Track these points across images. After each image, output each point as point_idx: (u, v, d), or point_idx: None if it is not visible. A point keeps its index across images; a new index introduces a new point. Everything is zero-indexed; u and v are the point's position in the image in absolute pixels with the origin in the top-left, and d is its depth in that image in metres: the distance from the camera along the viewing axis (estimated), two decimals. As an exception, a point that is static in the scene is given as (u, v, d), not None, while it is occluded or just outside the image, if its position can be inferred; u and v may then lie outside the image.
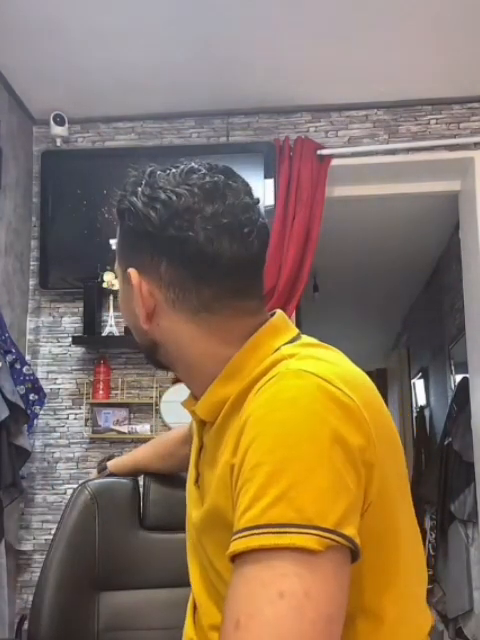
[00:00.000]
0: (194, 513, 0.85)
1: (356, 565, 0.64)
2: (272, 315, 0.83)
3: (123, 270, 0.83)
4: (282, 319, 0.83)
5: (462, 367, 3.47)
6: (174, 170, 0.80)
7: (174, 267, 0.77)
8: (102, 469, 1.41)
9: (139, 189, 0.80)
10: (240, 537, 0.62)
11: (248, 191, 0.81)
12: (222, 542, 0.68)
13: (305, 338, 0.82)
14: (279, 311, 0.84)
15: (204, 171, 0.79)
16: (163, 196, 0.77)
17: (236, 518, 0.64)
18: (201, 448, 0.87)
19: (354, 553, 0.63)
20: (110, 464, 1.40)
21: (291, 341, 0.79)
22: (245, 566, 0.61)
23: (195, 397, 0.85)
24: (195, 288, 0.77)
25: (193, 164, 0.81)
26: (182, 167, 0.80)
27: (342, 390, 0.67)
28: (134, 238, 0.81)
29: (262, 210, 0.83)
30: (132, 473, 1.39)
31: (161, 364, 0.87)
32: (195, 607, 0.88)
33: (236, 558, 0.62)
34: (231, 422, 0.75)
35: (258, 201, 0.82)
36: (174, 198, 0.77)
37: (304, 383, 0.67)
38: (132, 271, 0.80)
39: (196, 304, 0.78)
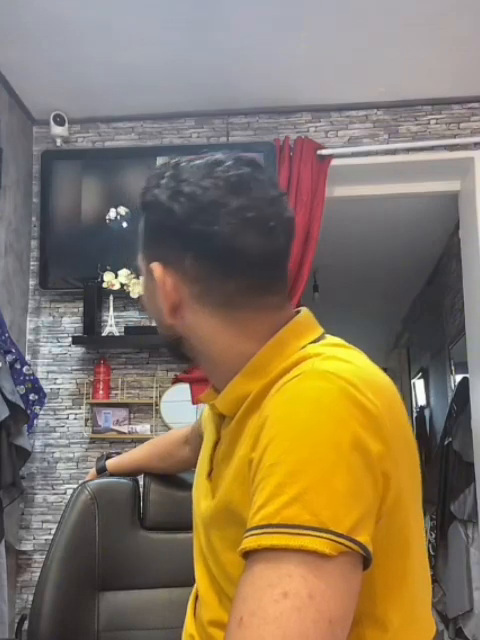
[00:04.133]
0: (203, 505, 0.84)
1: (367, 572, 0.63)
2: (297, 312, 0.82)
3: (146, 264, 0.81)
4: (308, 317, 0.82)
5: (462, 367, 3.47)
6: (199, 162, 0.79)
7: (199, 261, 0.76)
8: (101, 469, 1.41)
9: (163, 182, 0.79)
10: (252, 535, 0.61)
11: (274, 184, 0.80)
12: (230, 537, 0.68)
13: (330, 338, 0.80)
14: (305, 309, 0.83)
15: (230, 163, 0.78)
16: (188, 189, 0.76)
17: (250, 515, 0.63)
18: (217, 442, 0.86)
19: (366, 560, 0.62)
20: (109, 464, 1.40)
21: (316, 340, 0.78)
22: (255, 565, 0.61)
23: (216, 390, 0.85)
24: (220, 282, 0.76)
25: (219, 155, 0.80)
26: (207, 159, 0.79)
27: (366, 395, 0.66)
28: (158, 232, 0.80)
29: (288, 203, 0.82)
30: (131, 473, 1.39)
31: (185, 357, 0.86)
32: (196, 602, 0.88)
33: (247, 555, 0.62)
34: (251, 418, 0.75)
35: (284, 194, 0.81)
36: (199, 191, 0.75)
37: (328, 385, 0.66)
38: (156, 265, 0.78)
39: (220, 298, 0.77)
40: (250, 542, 0.61)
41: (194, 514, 0.90)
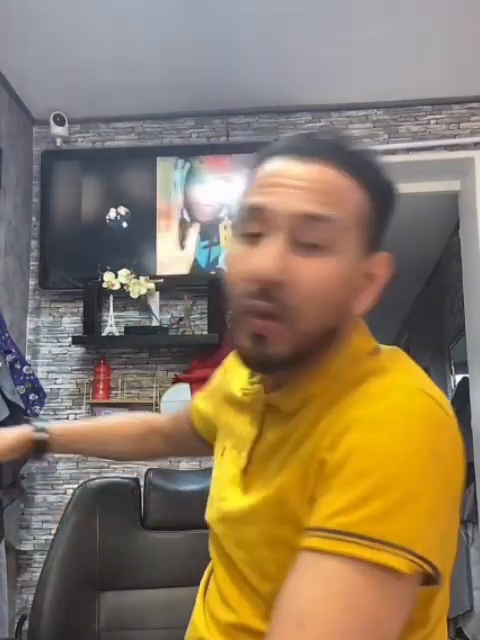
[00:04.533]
0: (233, 501, 0.79)
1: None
2: None
3: (369, 247, 0.74)
4: (363, 322, 0.80)
5: (462, 367, 3.47)
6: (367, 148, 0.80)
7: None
8: (39, 444, 1.10)
9: (372, 159, 0.77)
10: (329, 537, 0.61)
11: None
12: (276, 533, 0.67)
13: (387, 346, 0.80)
14: None
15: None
16: (385, 167, 0.76)
17: (323, 514, 0.62)
18: (257, 437, 0.80)
19: (434, 579, 0.63)
20: (52, 429, 1.12)
21: (377, 348, 0.78)
22: (324, 564, 0.60)
23: (265, 384, 0.79)
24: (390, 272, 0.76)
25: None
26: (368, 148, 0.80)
27: (449, 414, 0.68)
28: (386, 217, 0.76)
29: None
30: (80, 448, 1.20)
31: (311, 356, 0.73)
32: (204, 602, 0.83)
33: (312, 551, 0.62)
34: (316, 420, 0.70)
35: None
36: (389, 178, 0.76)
37: (420, 402, 0.66)
38: (387, 256, 0.76)
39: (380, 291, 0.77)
40: (326, 544, 0.61)
41: (214, 510, 0.85)
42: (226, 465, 0.85)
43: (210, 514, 0.86)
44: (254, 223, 0.70)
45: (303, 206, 0.68)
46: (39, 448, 1.11)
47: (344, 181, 0.71)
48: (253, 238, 0.70)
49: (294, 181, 0.69)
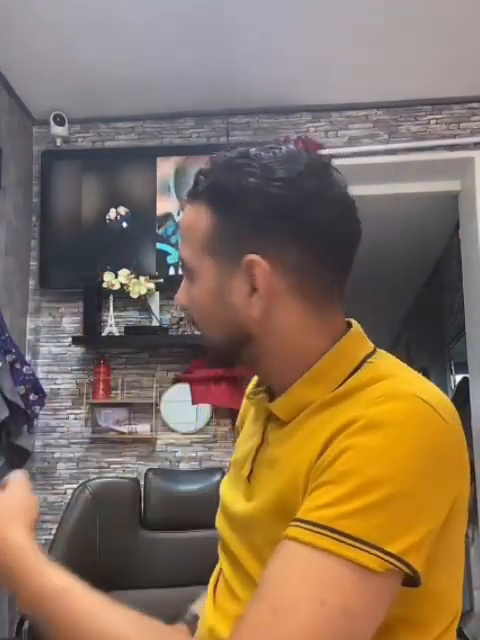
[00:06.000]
0: (240, 507, 0.82)
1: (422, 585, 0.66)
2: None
3: (229, 257, 0.76)
4: (359, 326, 0.82)
5: (462, 367, 3.47)
6: (275, 150, 0.77)
7: (303, 251, 0.74)
8: None
9: (247, 169, 0.75)
10: (307, 529, 0.63)
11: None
12: (278, 535, 0.68)
13: (382, 351, 0.80)
14: (353, 320, 0.84)
15: (304, 152, 0.78)
16: (286, 176, 0.74)
17: (307, 507, 0.65)
18: (260, 445, 0.83)
19: (415, 580, 0.64)
20: None
21: (372, 352, 0.79)
22: (303, 556, 0.63)
23: (269, 392, 0.83)
24: (322, 272, 0.76)
25: (283, 146, 0.79)
26: (272, 147, 0.78)
27: (447, 421, 0.68)
28: (257, 221, 0.74)
29: None
30: None
31: (237, 361, 0.82)
32: (215, 600, 0.85)
33: (292, 539, 0.64)
34: (315, 425, 0.73)
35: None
36: (298, 179, 0.74)
37: (415, 408, 0.67)
38: (255, 258, 0.73)
39: (318, 290, 0.76)
40: (304, 535, 0.63)
41: (223, 514, 0.87)
42: (235, 475, 0.88)
43: (219, 522, 0.89)
44: None
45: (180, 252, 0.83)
46: None
47: (192, 211, 0.79)
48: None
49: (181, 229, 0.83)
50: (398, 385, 0.71)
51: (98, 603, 0.67)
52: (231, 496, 0.86)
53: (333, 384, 0.74)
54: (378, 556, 0.61)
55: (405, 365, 0.78)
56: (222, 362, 0.87)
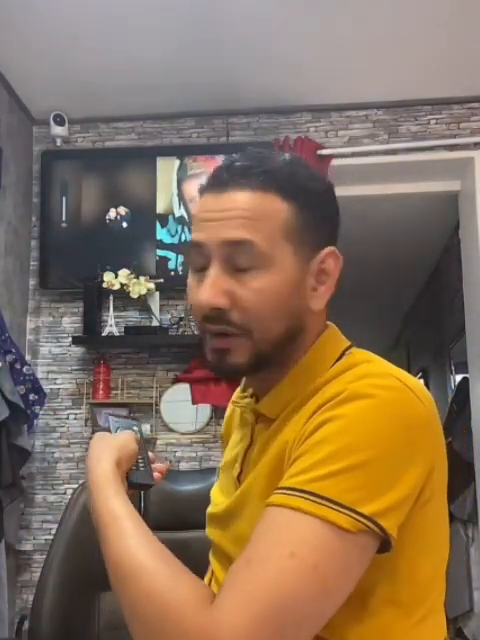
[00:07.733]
0: (224, 504, 0.85)
1: (396, 556, 0.68)
2: None
3: (310, 248, 0.78)
4: (333, 324, 0.86)
5: (462, 367, 3.47)
6: (285, 155, 0.83)
7: (335, 247, 0.80)
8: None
9: (296, 169, 0.80)
10: (283, 494, 0.66)
11: None
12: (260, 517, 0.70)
13: (357, 348, 0.84)
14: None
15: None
16: (321, 179, 0.83)
17: (285, 477, 0.68)
18: (249, 445, 0.85)
19: (387, 543, 0.66)
20: None
21: (348, 348, 0.82)
22: (277, 517, 0.66)
23: (251, 395, 0.86)
24: (341, 272, 0.81)
25: (288, 155, 0.84)
26: (287, 156, 0.83)
27: (420, 397, 0.71)
28: (329, 217, 0.82)
29: None
30: None
31: (276, 359, 0.79)
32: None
33: (271, 505, 0.67)
34: (292, 418, 0.76)
35: None
36: (324, 182, 0.82)
37: (389, 384, 0.71)
38: (335, 250, 0.80)
39: (335, 288, 0.81)
40: (279, 499, 0.66)
41: (211, 519, 0.89)
42: (225, 479, 0.90)
43: (209, 530, 0.90)
44: (198, 257, 0.79)
45: (226, 235, 0.75)
46: None
47: (261, 199, 0.76)
48: (201, 270, 0.79)
49: (217, 213, 0.77)
50: (379, 366, 0.76)
51: (138, 535, 0.72)
52: (221, 501, 0.88)
53: (314, 378, 0.77)
54: (350, 516, 0.63)
55: (381, 358, 0.81)
56: (262, 361, 0.78)
